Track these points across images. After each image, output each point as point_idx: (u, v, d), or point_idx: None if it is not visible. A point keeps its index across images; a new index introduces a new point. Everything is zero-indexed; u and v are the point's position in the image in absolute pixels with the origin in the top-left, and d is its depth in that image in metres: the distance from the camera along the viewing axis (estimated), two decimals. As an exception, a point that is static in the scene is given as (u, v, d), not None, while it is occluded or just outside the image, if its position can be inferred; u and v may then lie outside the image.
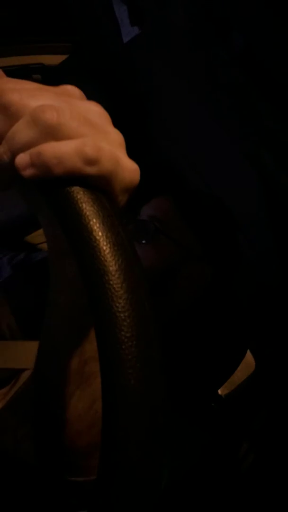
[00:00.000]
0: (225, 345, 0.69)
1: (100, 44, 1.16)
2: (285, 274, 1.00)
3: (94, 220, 0.24)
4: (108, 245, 0.23)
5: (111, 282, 0.23)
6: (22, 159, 0.23)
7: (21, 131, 0.24)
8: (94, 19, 1.11)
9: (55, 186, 0.24)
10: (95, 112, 0.27)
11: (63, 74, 1.23)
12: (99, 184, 0.25)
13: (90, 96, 0.29)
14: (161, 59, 1.02)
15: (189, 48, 0.93)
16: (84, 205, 0.24)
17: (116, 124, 0.29)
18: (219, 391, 1.31)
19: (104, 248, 0.23)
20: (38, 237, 1.75)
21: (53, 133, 0.23)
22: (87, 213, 0.24)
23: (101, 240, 0.23)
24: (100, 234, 0.23)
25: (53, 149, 0.23)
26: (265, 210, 0.96)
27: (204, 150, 1.05)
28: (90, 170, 0.24)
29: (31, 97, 0.24)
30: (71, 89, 0.27)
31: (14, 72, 1.12)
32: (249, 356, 1.19)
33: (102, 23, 1.09)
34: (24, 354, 0.52)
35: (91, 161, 0.24)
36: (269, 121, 0.85)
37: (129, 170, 0.26)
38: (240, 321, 0.75)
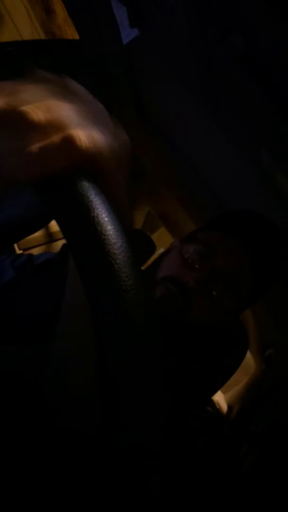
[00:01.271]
0: (224, 346, 0.69)
1: (100, 46, 1.16)
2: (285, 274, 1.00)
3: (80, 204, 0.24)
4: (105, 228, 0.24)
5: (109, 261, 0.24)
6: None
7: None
8: (93, 20, 1.11)
9: (47, 184, 0.25)
10: (79, 100, 0.27)
11: (63, 76, 1.23)
12: (93, 168, 0.25)
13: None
14: (161, 60, 1.02)
15: (189, 50, 0.93)
16: (75, 196, 0.25)
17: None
18: (219, 393, 1.31)
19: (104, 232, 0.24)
20: (38, 238, 1.75)
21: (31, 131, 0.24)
22: (75, 200, 0.24)
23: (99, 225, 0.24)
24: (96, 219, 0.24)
25: (38, 149, 0.24)
26: (265, 210, 0.96)
27: (203, 150, 1.05)
28: (78, 156, 0.25)
29: (11, 96, 0.25)
30: (61, 80, 0.28)
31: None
32: (249, 358, 1.19)
33: (102, 25, 1.09)
34: None
35: (76, 149, 0.24)
36: (269, 122, 0.85)
37: (120, 140, 0.27)
38: (240, 322, 0.75)
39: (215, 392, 0.69)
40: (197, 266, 0.61)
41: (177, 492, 0.53)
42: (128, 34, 1.00)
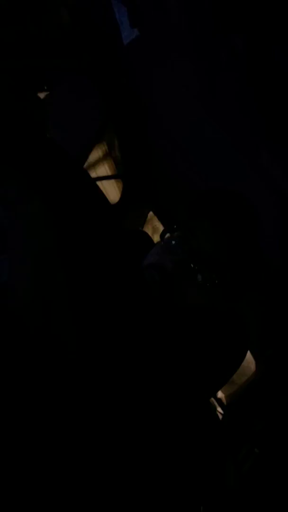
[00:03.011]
0: (225, 346, 0.69)
1: (100, 46, 1.16)
2: (285, 274, 1.00)
3: None
4: None
5: None
6: None
7: None
8: (94, 21, 1.11)
9: None
10: None
11: (64, 76, 1.23)
12: None
13: (89, 97, 0.29)
14: (161, 60, 1.02)
15: (188, 50, 0.93)
16: None
17: (116, 125, 0.29)
18: (220, 393, 1.31)
19: None
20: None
21: None
22: None
23: None
24: None
25: None
26: (265, 210, 0.96)
27: (203, 150, 1.06)
28: None
29: None
30: None
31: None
32: (249, 358, 1.19)
33: (102, 25, 1.09)
34: None
35: None
36: (269, 122, 0.85)
37: None
38: (240, 321, 0.75)
39: (215, 390, 0.70)
40: (178, 250, 0.63)
41: (177, 490, 0.53)
42: (128, 34, 1.00)
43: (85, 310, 0.45)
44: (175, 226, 0.67)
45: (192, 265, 0.62)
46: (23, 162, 0.49)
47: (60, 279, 0.46)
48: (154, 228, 1.62)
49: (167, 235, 0.67)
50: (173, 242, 0.65)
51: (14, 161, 0.48)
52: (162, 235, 0.69)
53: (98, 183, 1.61)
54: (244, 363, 0.81)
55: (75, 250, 0.48)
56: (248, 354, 1.11)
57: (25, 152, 0.50)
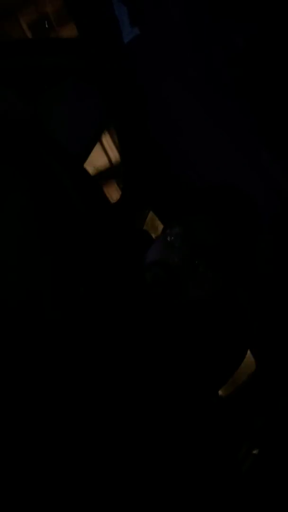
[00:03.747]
0: (226, 345, 0.69)
1: (101, 45, 1.16)
2: (284, 272, 1.00)
3: None
4: None
5: None
6: None
7: None
8: (94, 19, 1.11)
9: None
10: None
11: (64, 75, 1.23)
12: None
13: (90, 97, 0.29)
14: (162, 59, 1.02)
15: (189, 48, 0.93)
16: None
17: (117, 124, 0.29)
18: (220, 392, 1.31)
19: None
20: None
21: None
22: None
23: None
24: None
25: None
26: (265, 210, 0.96)
27: (204, 149, 1.06)
28: None
29: None
30: None
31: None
32: (249, 356, 1.19)
33: (103, 24, 1.09)
34: None
35: None
36: (269, 121, 0.85)
37: None
38: (241, 321, 0.75)
39: (216, 389, 0.70)
40: (179, 245, 0.63)
41: (177, 489, 0.53)
42: (129, 33, 1.00)
43: (69, 299, 0.45)
44: (175, 222, 0.68)
45: (194, 260, 0.62)
46: (22, 162, 0.49)
47: (43, 267, 0.46)
48: (154, 228, 1.62)
49: (167, 231, 0.67)
50: (173, 238, 0.65)
51: (12, 160, 0.49)
52: (163, 232, 0.69)
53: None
54: (244, 362, 0.82)
55: (60, 240, 0.48)
56: (248, 353, 1.11)
57: (24, 150, 0.50)
